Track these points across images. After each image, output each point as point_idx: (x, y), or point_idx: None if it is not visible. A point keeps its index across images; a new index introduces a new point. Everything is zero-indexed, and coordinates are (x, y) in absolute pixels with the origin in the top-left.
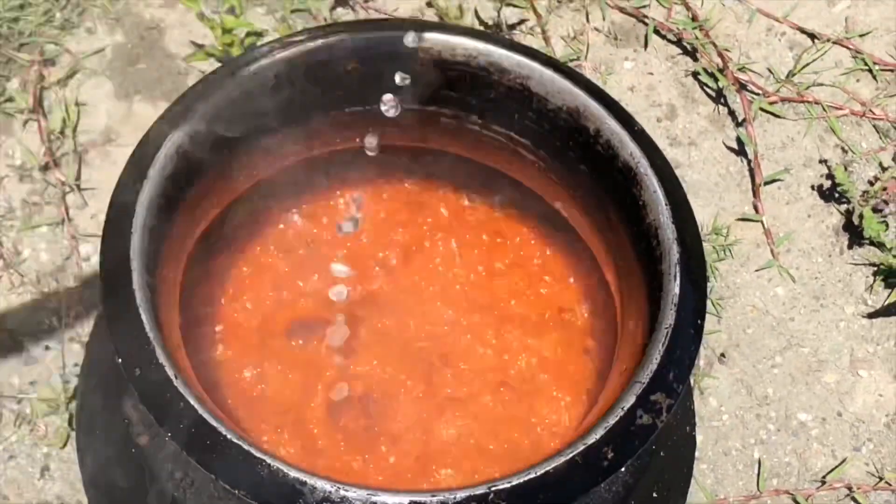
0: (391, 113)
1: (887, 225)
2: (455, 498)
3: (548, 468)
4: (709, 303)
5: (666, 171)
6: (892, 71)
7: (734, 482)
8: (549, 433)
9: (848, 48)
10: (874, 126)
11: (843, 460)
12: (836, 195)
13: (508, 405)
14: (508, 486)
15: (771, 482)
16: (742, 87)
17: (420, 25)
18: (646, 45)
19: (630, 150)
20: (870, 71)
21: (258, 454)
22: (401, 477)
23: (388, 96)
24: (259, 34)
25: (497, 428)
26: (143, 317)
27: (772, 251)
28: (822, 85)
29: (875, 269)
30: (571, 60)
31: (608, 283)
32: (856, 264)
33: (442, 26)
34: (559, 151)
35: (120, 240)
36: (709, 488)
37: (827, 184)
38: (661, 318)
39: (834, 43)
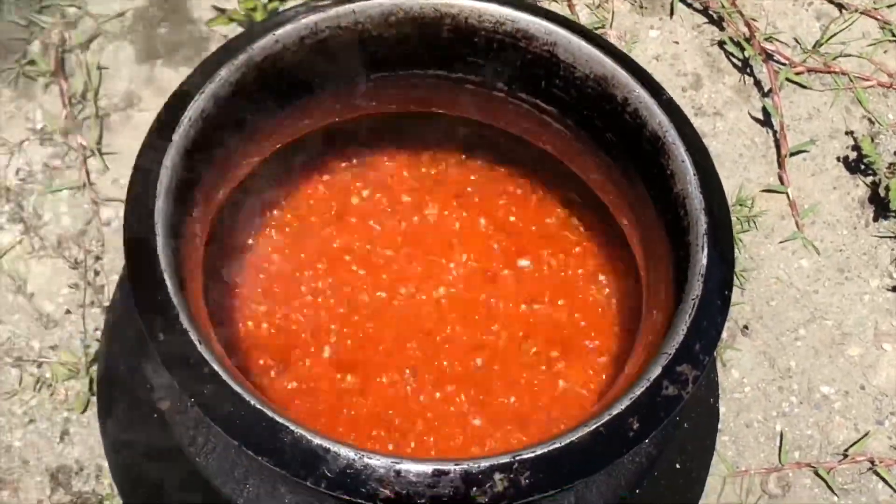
0: None
1: None
2: (479, 466)
3: (572, 438)
4: None
5: (694, 140)
6: None
7: (756, 454)
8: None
9: (876, 19)
10: None
11: (866, 434)
12: (862, 167)
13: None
14: (532, 455)
15: (793, 455)
16: (768, 56)
17: None
18: (671, 14)
19: (658, 119)
20: None
21: (281, 420)
22: None
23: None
24: None
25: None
26: (167, 281)
27: (796, 223)
28: (849, 56)
29: None
30: (596, 28)
31: (634, 253)
32: (881, 237)
33: None
34: (586, 120)
35: (144, 204)
36: (730, 460)
37: (853, 155)
38: (688, 289)
39: (861, 13)
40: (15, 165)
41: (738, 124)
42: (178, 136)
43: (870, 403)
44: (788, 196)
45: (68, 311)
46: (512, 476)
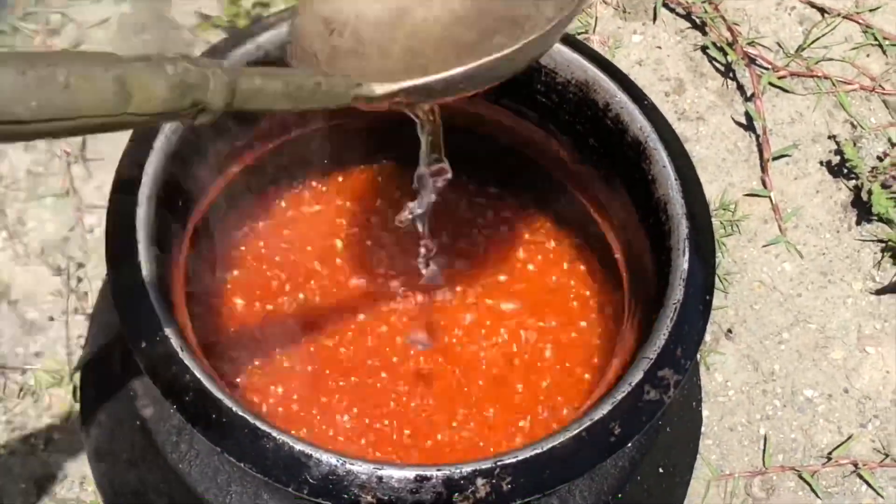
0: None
1: None
2: (461, 472)
3: (554, 443)
4: (716, 278)
5: (675, 145)
6: None
7: (740, 458)
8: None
9: (858, 23)
10: (883, 101)
11: (850, 437)
12: (845, 171)
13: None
14: (514, 460)
15: (777, 458)
16: (751, 61)
17: None
18: (654, 19)
19: (640, 124)
20: (880, 46)
21: (264, 427)
22: None
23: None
24: (266, 4)
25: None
26: (149, 289)
27: (779, 227)
28: (831, 60)
29: (883, 245)
30: (579, 33)
31: (616, 258)
32: (864, 240)
33: None
34: (567, 125)
35: (125, 211)
36: (714, 464)
37: (835, 159)
38: (670, 293)
39: (844, 17)
40: None
41: (720, 128)
42: (160, 143)
43: (853, 407)
44: (771, 200)
45: (52, 318)
46: (494, 481)
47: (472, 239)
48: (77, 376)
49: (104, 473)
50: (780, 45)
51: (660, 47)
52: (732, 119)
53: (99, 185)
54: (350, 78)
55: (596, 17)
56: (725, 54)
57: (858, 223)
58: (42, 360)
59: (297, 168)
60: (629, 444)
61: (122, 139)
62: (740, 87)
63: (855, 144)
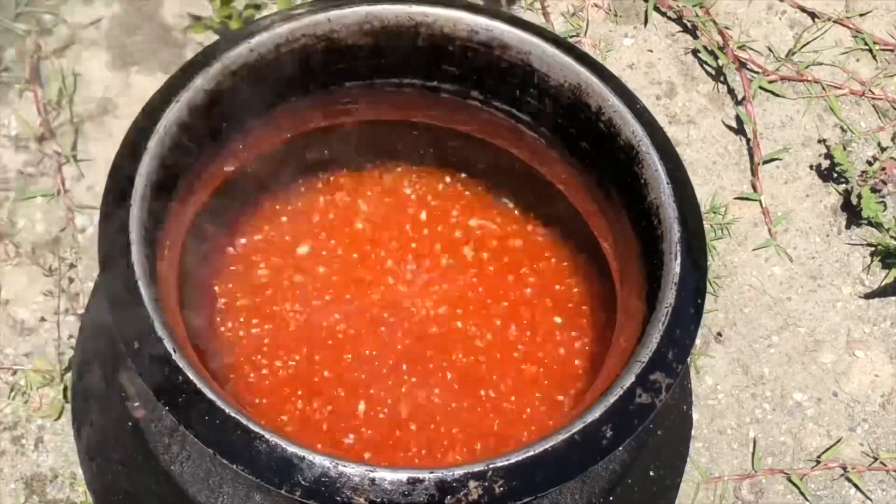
0: None
1: (885, 205)
2: (453, 475)
3: (546, 446)
4: None
5: (668, 149)
6: (891, 51)
7: (729, 461)
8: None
9: (848, 27)
10: (873, 106)
11: (839, 440)
12: (835, 175)
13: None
14: (506, 463)
15: (766, 461)
16: (742, 65)
17: None
18: (646, 23)
19: (632, 127)
20: (870, 51)
21: (256, 429)
22: None
23: None
24: (258, 6)
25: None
26: (142, 290)
27: (769, 230)
28: (821, 64)
29: (873, 249)
30: (571, 37)
31: (607, 262)
32: (853, 244)
33: (444, 1)
34: (560, 128)
35: (118, 212)
36: (704, 467)
37: (825, 163)
38: (662, 297)
39: (834, 22)
40: None
41: (711, 132)
42: (154, 144)
43: (842, 410)
44: (761, 204)
45: (43, 319)
46: (486, 484)
47: (462, 246)
48: (68, 377)
49: (95, 474)
50: (770, 50)
51: (651, 51)
52: (723, 123)
53: (90, 186)
54: None
55: (587, 21)
56: (716, 58)
57: (848, 227)
58: (33, 361)
59: (290, 168)
60: (620, 448)
61: (114, 140)
62: (731, 91)
63: (845, 148)
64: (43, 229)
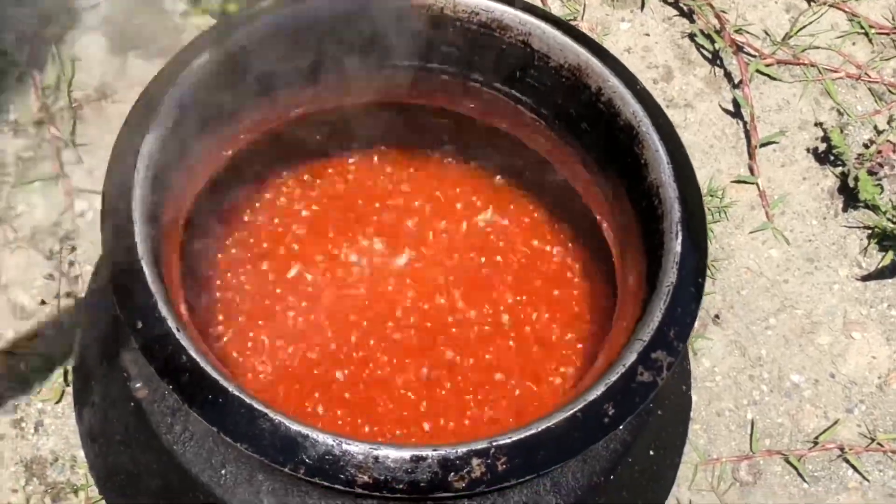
0: None
1: (882, 188)
2: (456, 452)
3: (548, 424)
4: None
5: (668, 130)
6: (887, 34)
7: (727, 442)
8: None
9: (844, 11)
10: (869, 89)
11: (836, 422)
12: (832, 158)
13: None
14: (509, 441)
15: (763, 443)
16: (739, 48)
17: None
18: (642, 7)
19: (632, 108)
20: (865, 34)
21: (260, 408)
22: None
23: None
24: None
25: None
26: (145, 269)
27: (766, 213)
28: (818, 48)
29: (869, 231)
30: (568, 20)
31: (608, 242)
32: (850, 227)
33: None
34: (560, 110)
35: (121, 192)
36: (702, 448)
37: (822, 146)
38: (663, 276)
39: (830, 6)
40: None
41: (708, 115)
42: (155, 125)
43: (839, 392)
44: (759, 187)
45: (43, 302)
46: (489, 461)
47: (465, 226)
48: (68, 360)
49: (97, 455)
50: (767, 33)
51: (648, 35)
52: (720, 106)
53: (89, 170)
54: None
55: (584, 4)
56: (713, 42)
57: (845, 210)
58: (33, 344)
59: (294, 150)
60: (622, 426)
61: (112, 125)
62: (728, 75)
63: (842, 131)
64: (42, 214)
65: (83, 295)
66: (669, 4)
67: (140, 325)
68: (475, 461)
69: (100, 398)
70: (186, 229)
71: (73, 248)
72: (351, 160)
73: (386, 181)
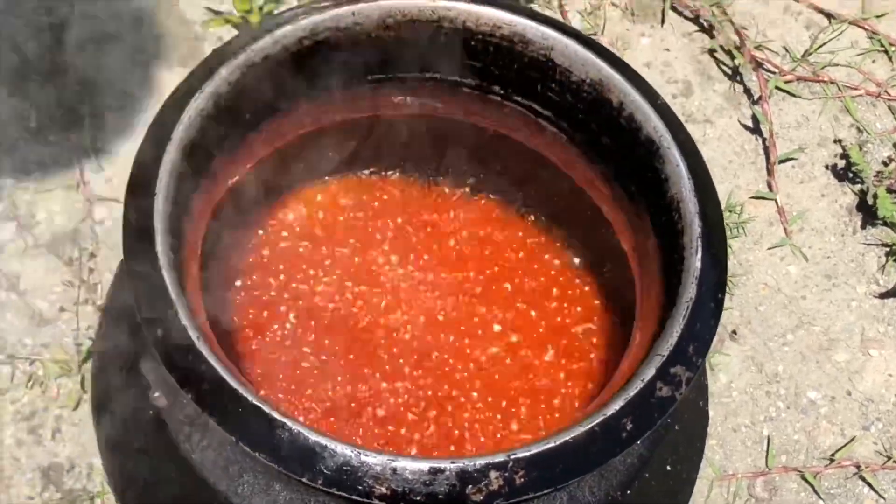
0: None
1: None
2: (474, 465)
3: (567, 438)
4: None
5: (689, 145)
6: None
7: (743, 458)
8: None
9: (864, 29)
10: (889, 107)
11: (852, 439)
12: (851, 175)
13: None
14: (528, 454)
15: (780, 459)
16: (758, 65)
17: None
18: (662, 22)
19: (653, 123)
20: (885, 52)
21: (279, 418)
22: None
23: None
24: (277, 1)
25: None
26: (166, 278)
27: (785, 229)
28: (837, 65)
29: (888, 249)
30: (588, 35)
31: (627, 256)
32: (868, 244)
33: None
34: (581, 124)
35: (143, 202)
36: (718, 464)
37: (841, 163)
38: (682, 291)
39: (850, 23)
40: (9, 164)
41: (727, 131)
42: (178, 134)
43: (856, 409)
44: (777, 203)
45: (62, 309)
46: (507, 475)
47: (480, 243)
48: (86, 367)
49: (115, 463)
50: (786, 50)
51: (668, 50)
52: (739, 122)
53: (109, 178)
54: None
55: (605, 19)
56: (733, 58)
57: (863, 227)
58: (51, 351)
59: (310, 162)
60: (640, 441)
61: (133, 133)
62: (747, 91)
63: (861, 149)
64: (62, 221)
65: (101, 302)
66: (689, 20)
67: (160, 333)
68: (493, 474)
69: (119, 407)
70: (207, 238)
71: (93, 255)
72: (368, 174)
73: (401, 194)
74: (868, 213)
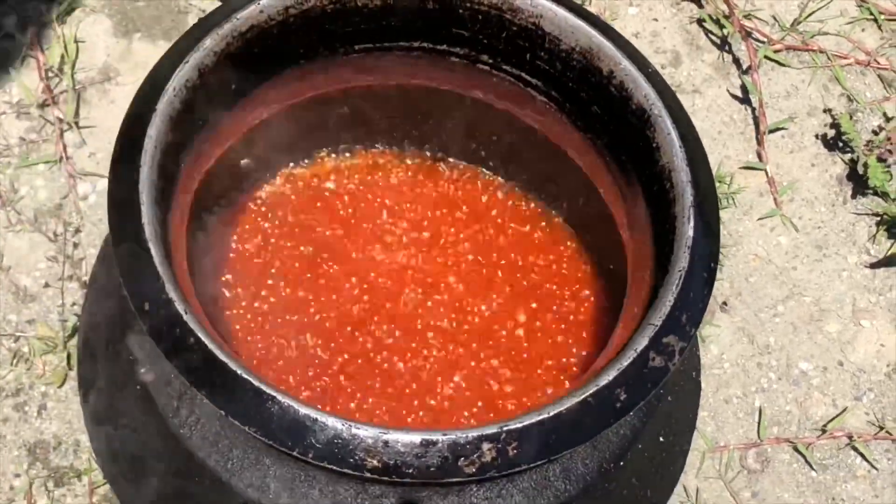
0: None
1: (891, 175)
2: (466, 437)
3: (560, 409)
4: None
5: (680, 113)
6: None
7: (735, 430)
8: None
9: None
10: (879, 76)
11: (844, 409)
12: (841, 144)
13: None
14: (520, 426)
15: (771, 430)
16: (747, 34)
17: None
18: None
19: (644, 91)
20: (875, 20)
21: (269, 391)
22: None
23: None
24: None
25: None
26: (153, 250)
27: (775, 200)
28: (827, 34)
29: (878, 218)
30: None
31: (618, 226)
32: (859, 214)
33: None
34: (571, 92)
35: (128, 174)
36: (709, 436)
37: (831, 133)
38: (675, 260)
39: None
40: None
41: (716, 101)
42: (163, 105)
43: (848, 379)
44: (767, 173)
45: (47, 285)
46: (500, 446)
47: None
48: (71, 343)
49: (102, 439)
50: (775, 19)
51: (656, 20)
52: (728, 92)
53: (93, 152)
54: None
55: None
56: (722, 27)
57: (854, 196)
58: (36, 327)
59: (297, 134)
60: (633, 412)
61: (116, 107)
62: (736, 61)
63: (851, 118)
64: (45, 196)
65: (87, 278)
66: None
67: (147, 307)
68: (486, 446)
69: (105, 382)
70: (193, 211)
71: (77, 231)
72: (355, 149)
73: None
74: (858, 182)
